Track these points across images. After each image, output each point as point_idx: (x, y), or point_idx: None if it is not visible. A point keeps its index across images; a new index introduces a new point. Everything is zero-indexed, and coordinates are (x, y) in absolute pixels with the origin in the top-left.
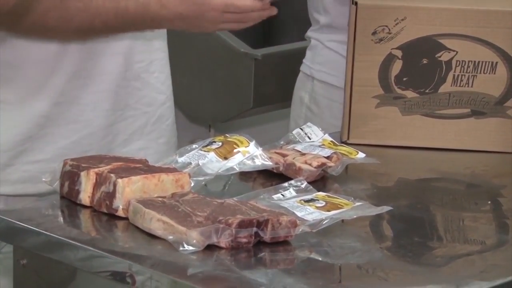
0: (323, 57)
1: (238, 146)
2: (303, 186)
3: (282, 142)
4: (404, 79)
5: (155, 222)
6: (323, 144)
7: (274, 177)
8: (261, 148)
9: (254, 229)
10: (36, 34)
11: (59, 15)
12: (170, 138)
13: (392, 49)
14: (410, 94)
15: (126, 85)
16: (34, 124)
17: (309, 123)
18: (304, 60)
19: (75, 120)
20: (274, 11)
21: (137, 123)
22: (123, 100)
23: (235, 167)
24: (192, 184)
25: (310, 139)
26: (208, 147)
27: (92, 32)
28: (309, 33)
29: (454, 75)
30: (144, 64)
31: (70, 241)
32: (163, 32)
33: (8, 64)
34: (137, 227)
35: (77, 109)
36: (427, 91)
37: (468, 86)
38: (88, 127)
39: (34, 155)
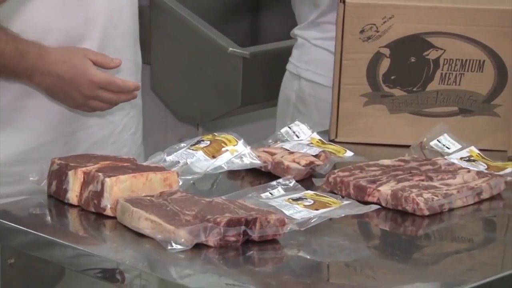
0: (310, 55)
1: (226, 144)
2: (291, 184)
3: (270, 141)
4: (392, 77)
5: (143, 221)
6: (311, 143)
7: (262, 175)
8: (250, 147)
9: (243, 227)
10: None
11: None
12: (132, 147)
13: (380, 47)
14: (398, 92)
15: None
16: None
17: (297, 121)
18: (290, 59)
19: (36, 126)
20: (135, 95)
21: (101, 132)
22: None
23: (223, 165)
24: (180, 183)
25: (298, 137)
26: (196, 145)
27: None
28: (296, 31)
29: (441, 73)
30: (112, 72)
31: (58, 240)
32: (132, 40)
33: None
34: (125, 226)
35: (34, 115)
36: (414, 89)
37: (455, 84)
38: (45, 134)
39: None
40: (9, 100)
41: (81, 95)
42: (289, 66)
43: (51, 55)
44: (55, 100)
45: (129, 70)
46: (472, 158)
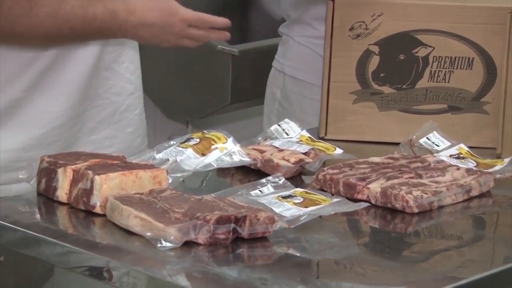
0: (294, 52)
1: (216, 142)
2: (281, 182)
3: (260, 138)
4: (381, 75)
5: (133, 219)
6: (301, 140)
7: (252, 173)
8: (239, 144)
9: (232, 225)
10: (2, 40)
11: (27, 21)
12: (138, 127)
13: (369, 45)
14: (387, 89)
15: (97, 75)
16: (4, 113)
17: (286, 119)
18: (275, 56)
19: (48, 110)
20: (227, 36)
21: (105, 112)
22: (94, 90)
23: (213, 163)
24: (170, 181)
25: (287, 135)
26: (186, 143)
27: (59, 39)
28: (281, 28)
29: (431, 71)
30: (115, 54)
31: (47, 237)
32: None
33: None
34: (114, 224)
35: (52, 99)
36: (404, 86)
37: (445, 82)
38: (60, 117)
39: (5, 144)
40: (21, 89)
41: (174, 36)
42: (274, 63)
43: (138, 6)
44: (149, 44)
45: (132, 51)
46: (461, 155)
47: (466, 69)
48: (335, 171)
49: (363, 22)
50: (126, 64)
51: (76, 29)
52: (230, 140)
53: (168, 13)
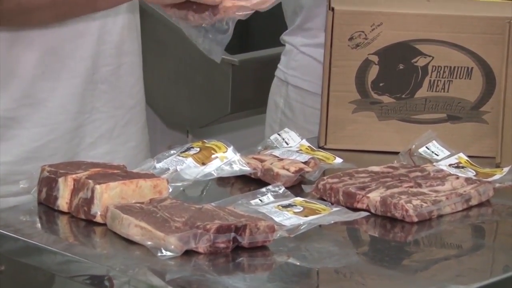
0: (297, 62)
1: (216, 151)
2: (280, 191)
3: (260, 148)
4: (381, 84)
5: (133, 228)
6: (301, 150)
7: (252, 182)
8: (239, 154)
9: (232, 234)
10: (12, 17)
11: None
12: (140, 142)
13: (368, 54)
14: (386, 99)
15: (93, 88)
16: (0, 125)
17: (286, 129)
18: (278, 65)
19: (42, 123)
20: None
21: (104, 127)
22: (90, 103)
23: (213, 172)
24: (170, 190)
25: (287, 144)
26: (186, 152)
27: (67, 3)
28: (284, 36)
29: (430, 80)
30: (112, 67)
31: (48, 247)
32: (135, 34)
33: None
34: (115, 233)
35: (45, 111)
36: (403, 96)
37: (444, 91)
38: (55, 130)
39: (1, 157)
40: (15, 100)
41: None
42: (277, 72)
43: None
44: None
45: (133, 64)
46: (460, 164)
47: (465, 78)
48: (335, 180)
49: (363, 31)
50: (125, 78)
51: None
52: (230, 149)
53: None
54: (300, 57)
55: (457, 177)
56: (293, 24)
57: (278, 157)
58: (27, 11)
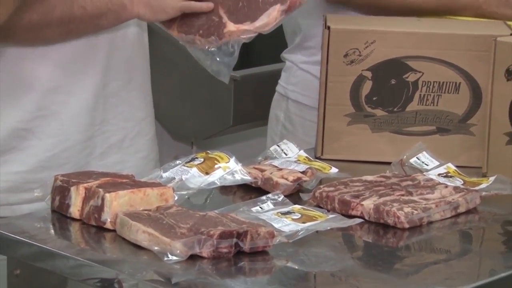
0: (297, 78)
1: (219, 162)
2: (280, 199)
3: (260, 158)
4: (374, 98)
5: (141, 234)
6: (299, 160)
7: (253, 191)
8: (241, 164)
9: (234, 240)
10: (22, 34)
11: (42, 8)
12: (150, 152)
13: (362, 70)
14: (379, 112)
15: (104, 102)
16: (15, 136)
17: (285, 140)
18: (279, 81)
19: (55, 133)
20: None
21: (114, 138)
22: (101, 116)
23: (216, 181)
24: (176, 198)
25: (286, 155)
26: (191, 163)
27: (73, 22)
28: (284, 54)
29: (420, 95)
30: (122, 82)
31: (61, 252)
32: (143, 51)
33: None
34: (124, 239)
35: (57, 123)
36: (395, 109)
37: (433, 105)
38: (67, 141)
39: (16, 167)
40: (29, 112)
41: None
42: (278, 88)
43: None
44: (154, 16)
45: (143, 79)
46: (449, 174)
47: (453, 93)
48: (331, 189)
49: (357, 49)
50: (135, 92)
51: (87, 7)
52: (232, 159)
53: None
54: (299, 74)
55: (446, 186)
56: (293, 43)
57: (277, 167)
58: (36, 29)
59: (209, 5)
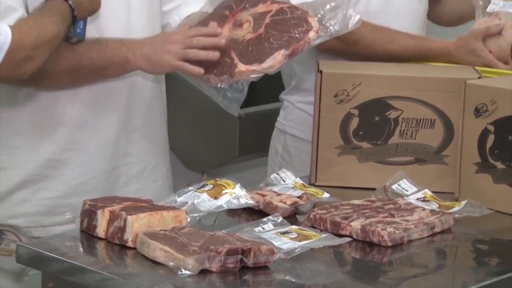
0: (294, 115)
1: (226, 188)
2: (279, 220)
3: (262, 185)
4: (360, 133)
5: (158, 251)
6: (295, 186)
7: (255, 213)
8: (245, 190)
9: (239, 256)
10: (34, 78)
11: (53, 58)
12: (165, 182)
13: (350, 108)
14: (365, 145)
15: (126, 136)
16: (48, 166)
17: (283, 169)
18: (278, 118)
19: (83, 164)
20: (221, 43)
21: (136, 169)
22: (123, 149)
23: (223, 205)
24: (189, 220)
25: (284, 182)
26: (202, 189)
27: (81, 72)
28: (283, 95)
29: (400, 130)
30: (142, 120)
31: (88, 267)
32: (161, 93)
33: (29, 120)
34: (143, 255)
35: (85, 155)
36: (379, 142)
37: (412, 139)
38: (93, 170)
39: (49, 193)
40: (60, 145)
41: (174, 45)
42: (277, 124)
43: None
44: (153, 70)
45: (160, 118)
46: (426, 199)
47: (429, 128)
48: (323, 211)
49: (346, 90)
50: (153, 130)
51: (94, 58)
52: (238, 186)
53: (167, 32)
54: (295, 112)
55: (424, 209)
56: (290, 85)
57: (276, 192)
58: (47, 76)
59: (200, 71)
